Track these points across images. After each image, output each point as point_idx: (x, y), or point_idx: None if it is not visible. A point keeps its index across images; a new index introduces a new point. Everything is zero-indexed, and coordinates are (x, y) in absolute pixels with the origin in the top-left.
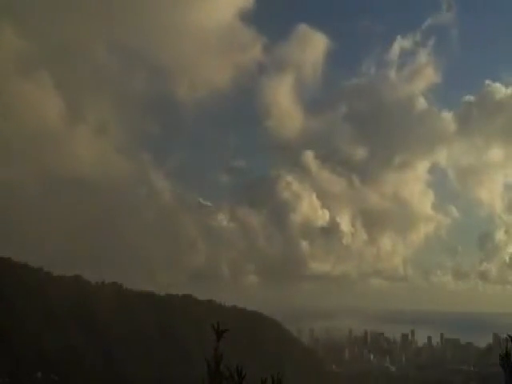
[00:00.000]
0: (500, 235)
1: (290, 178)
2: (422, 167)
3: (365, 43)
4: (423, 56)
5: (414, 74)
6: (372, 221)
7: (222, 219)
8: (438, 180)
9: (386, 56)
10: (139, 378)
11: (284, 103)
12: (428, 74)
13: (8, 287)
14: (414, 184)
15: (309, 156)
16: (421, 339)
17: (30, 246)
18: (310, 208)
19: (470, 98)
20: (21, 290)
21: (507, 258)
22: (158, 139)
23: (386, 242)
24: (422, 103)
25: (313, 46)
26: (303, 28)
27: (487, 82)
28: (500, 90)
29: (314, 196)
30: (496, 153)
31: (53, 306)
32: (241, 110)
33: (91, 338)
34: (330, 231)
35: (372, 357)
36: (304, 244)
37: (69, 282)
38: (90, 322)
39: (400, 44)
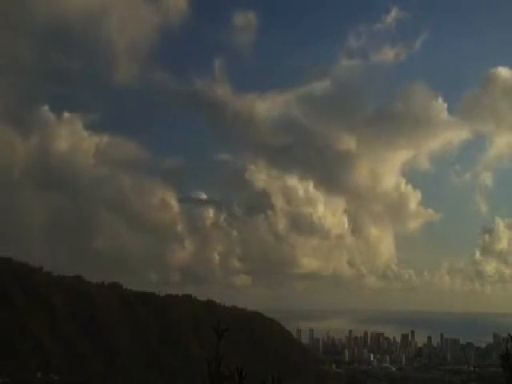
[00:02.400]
0: (498, 234)
1: (259, 169)
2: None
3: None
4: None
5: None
6: (364, 215)
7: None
8: (423, 175)
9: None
10: (139, 378)
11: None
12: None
13: (8, 287)
14: (395, 177)
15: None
16: (421, 339)
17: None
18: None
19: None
20: (21, 289)
21: (507, 258)
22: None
23: (381, 240)
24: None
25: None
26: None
27: (490, 65)
28: (504, 74)
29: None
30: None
31: (53, 306)
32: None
33: (91, 338)
34: (320, 230)
35: (372, 357)
36: (295, 242)
37: (69, 282)
38: (90, 322)
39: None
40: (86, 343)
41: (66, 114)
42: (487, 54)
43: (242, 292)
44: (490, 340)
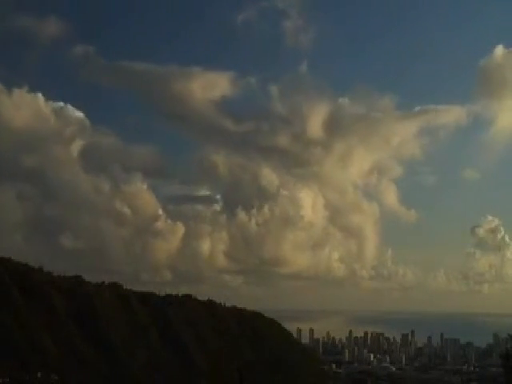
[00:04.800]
0: (498, 232)
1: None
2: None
3: None
4: None
5: None
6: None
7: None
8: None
9: None
10: (139, 378)
11: None
12: None
13: (8, 287)
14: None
15: None
16: (421, 339)
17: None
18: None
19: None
20: (21, 289)
21: (506, 258)
22: None
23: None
24: None
25: None
26: None
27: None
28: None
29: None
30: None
31: (53, 306)
32: None
33: (91, 338)
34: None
35: (372, 357)
36: (290, 241)
37: (69, 282)
38: (90, 322)
39: None
40: (86, 343)
41: None
42: None
43: (240, 292)
44: (490, 340)
